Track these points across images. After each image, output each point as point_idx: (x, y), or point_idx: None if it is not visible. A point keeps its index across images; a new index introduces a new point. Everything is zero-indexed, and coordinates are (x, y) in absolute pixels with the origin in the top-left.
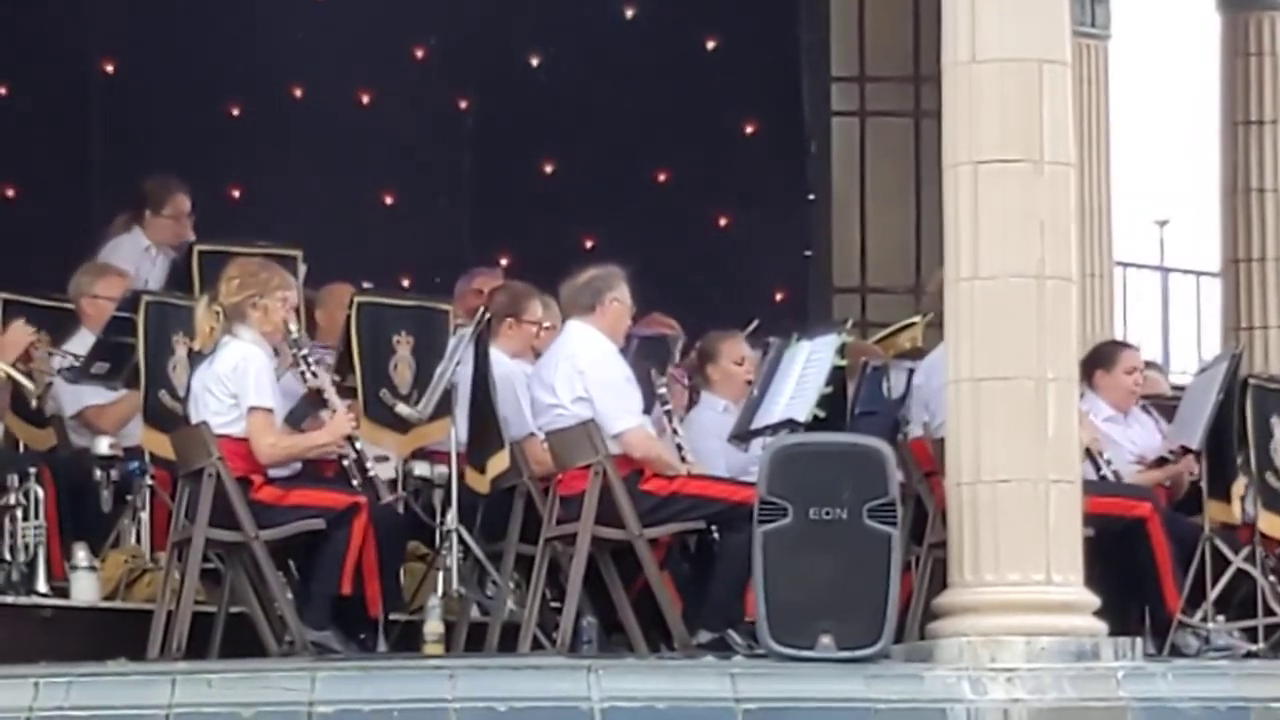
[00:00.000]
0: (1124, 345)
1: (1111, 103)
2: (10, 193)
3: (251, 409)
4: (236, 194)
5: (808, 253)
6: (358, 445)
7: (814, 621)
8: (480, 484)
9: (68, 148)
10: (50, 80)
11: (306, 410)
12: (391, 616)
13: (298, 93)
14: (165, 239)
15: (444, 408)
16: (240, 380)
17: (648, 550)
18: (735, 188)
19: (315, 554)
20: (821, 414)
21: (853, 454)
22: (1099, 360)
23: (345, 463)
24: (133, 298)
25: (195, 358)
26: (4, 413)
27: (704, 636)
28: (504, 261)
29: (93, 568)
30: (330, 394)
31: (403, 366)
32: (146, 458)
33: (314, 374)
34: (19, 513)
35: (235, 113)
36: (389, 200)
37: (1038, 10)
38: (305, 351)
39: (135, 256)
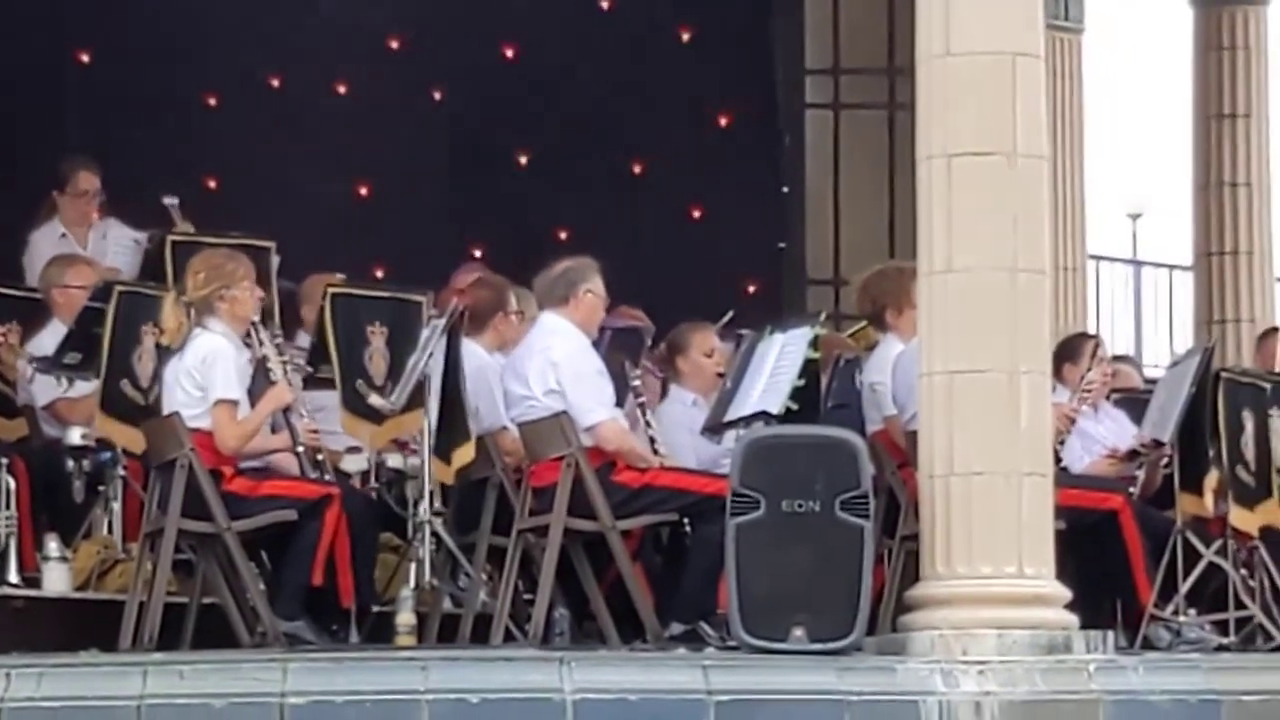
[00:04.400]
0: (1089, 337)
1: (1085, 96)
2: None
3: (217, 401)
4: (213, 184)
5: (781, 245)
6: (291, 419)
7: (786, 614)
8: (445, 474)
9: (44, 137)
10: (26, 70)
11: (262, 385)
12: (360, 607)
13: (275, 83)
14: (73, 219)
15: (417, 399)
16: (208, 373)
17: (620, 542)
18: (709, 180)
19: (287, 545)
20: (794, 406)
21: (825, 446)
22: (1066, 354)
23: (299, 450)
24: (105, 288)
25: (165, 350)
26: None
27: (676, 628)
28: (478, 253)
29: (64, 558)
30: (274, 364)
31: (377, 357)
32: (119, 449)
33: (260, 342)
34: None
35: (212, 103)
36: (364, 191)
37: (1011, 4)
38: (258, 320)
39: (53, 245)
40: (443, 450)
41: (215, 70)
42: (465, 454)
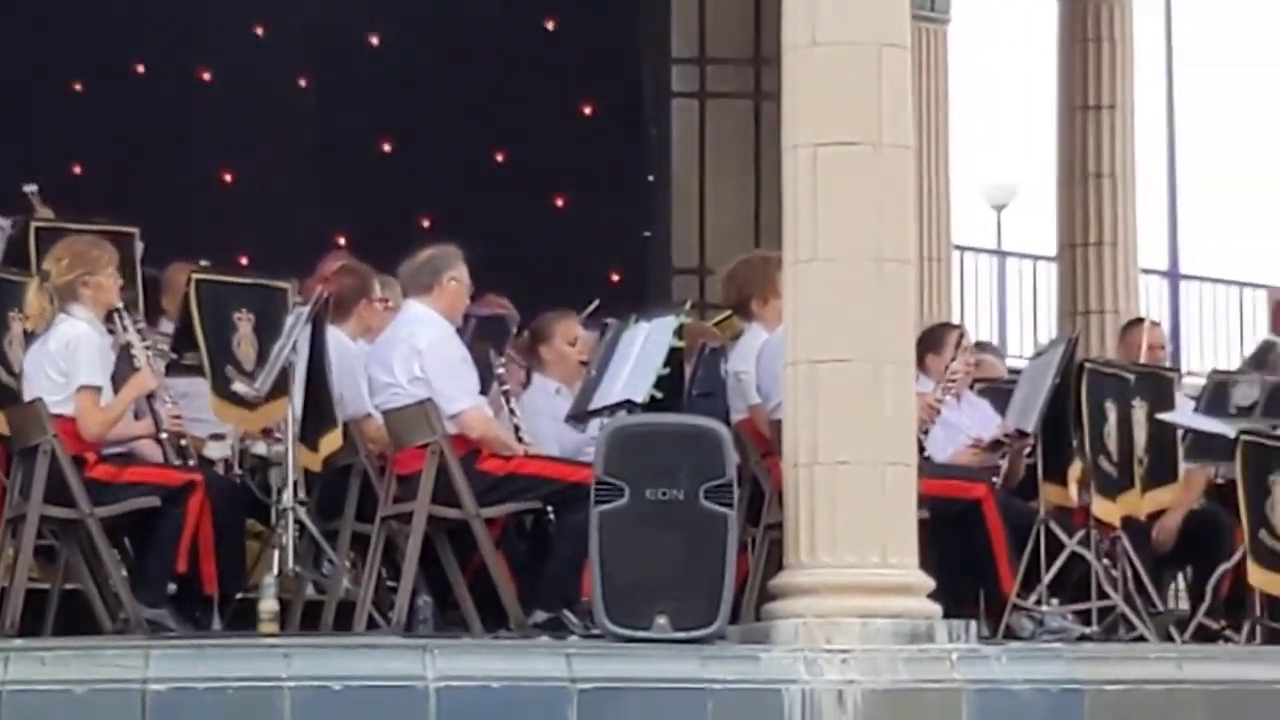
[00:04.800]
0: (953, 327)
1: (950, 87)
2: None
3: (80, 387)
4: (77, 170)
5: (646, 234)
6: (155, 405)
7: (650, 602)
8: (313, 462)
9: None
10: None
11: (125, 372)
12: (227, 594)
13: (139, 69)
14: None
15: (282, 386)
16: (71, 359)
17: (484, 530)
18: (573, 168)
19: (150, 531)
20: (659, 395)
21: (690, 435)
22: (930, 343)
23: (163, 436)
24: None
25: (30, 335)
26: None
27: (540, 617)
28: (341, 240)
29: None
30: (137, 351)
31: (246, 344)
32: None
33: (124, 329)
34: None
35: (77, 89)
36: (228, 178)
37: None
38: (122, 307)
39: None
40: (310, 437)
41: (79, 57)
42: (333, 441)
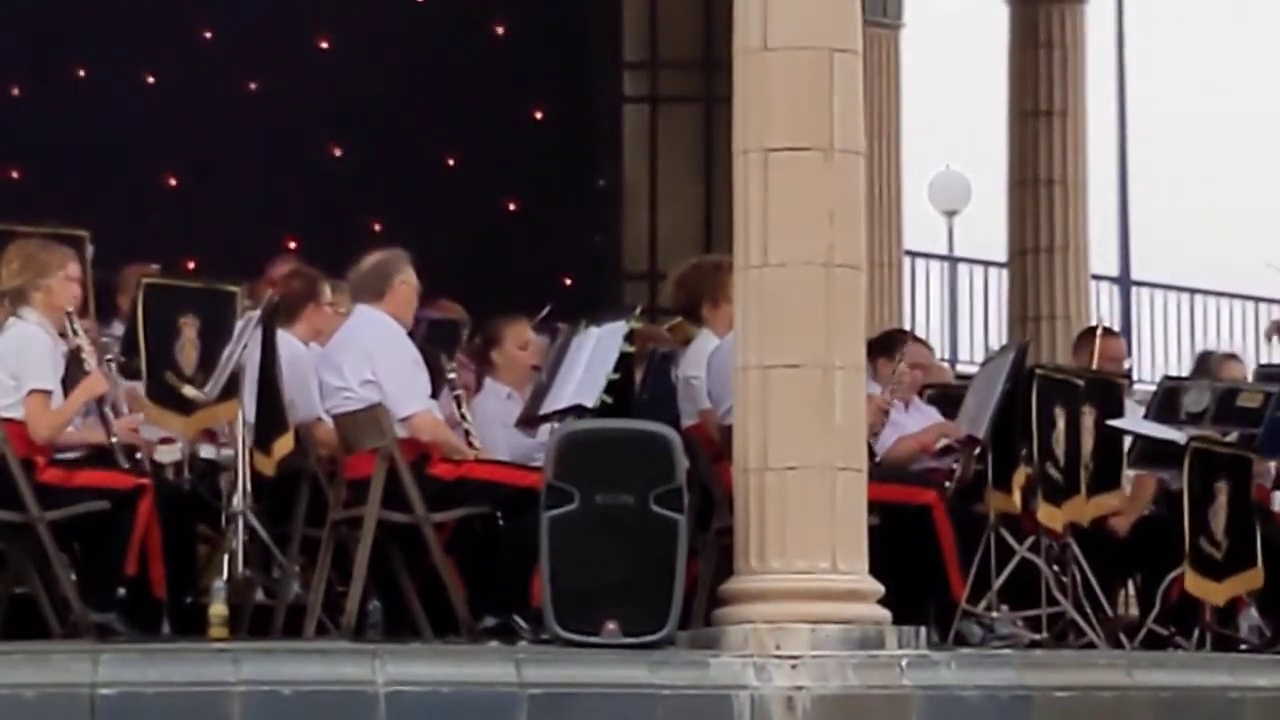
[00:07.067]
0: (903, 332)
1: (902, 92)
2: None
3: (31, 391)
4: (15, 174)
5: (597, 238)
6: (105, 409)
7: (599, 607)
8: (266, 465)
9: None
10: None
11: (76, 375)
12: (176, 598)
13: (81, 73)
14: None
15: (231, 390)
16: (21, 362)
17: (434, 534)
18: (524, 173)
19: (100, 535)
20: (609, 400)
21: (640, 440)
22: (880, 349)
23: (113, 440)
24: None
25: None
26: None
27: (489, 621)
28: (292, 245)
29: None
30: (88, 354)
31: (188, 348)
32: None
33: (75, 332)
34: None
35: (15, 92)
36: (174, 182)
37: None
38: (71, 310)
39: None
40: (263, 441)
41: (18, 60)
42: (285, 444)
